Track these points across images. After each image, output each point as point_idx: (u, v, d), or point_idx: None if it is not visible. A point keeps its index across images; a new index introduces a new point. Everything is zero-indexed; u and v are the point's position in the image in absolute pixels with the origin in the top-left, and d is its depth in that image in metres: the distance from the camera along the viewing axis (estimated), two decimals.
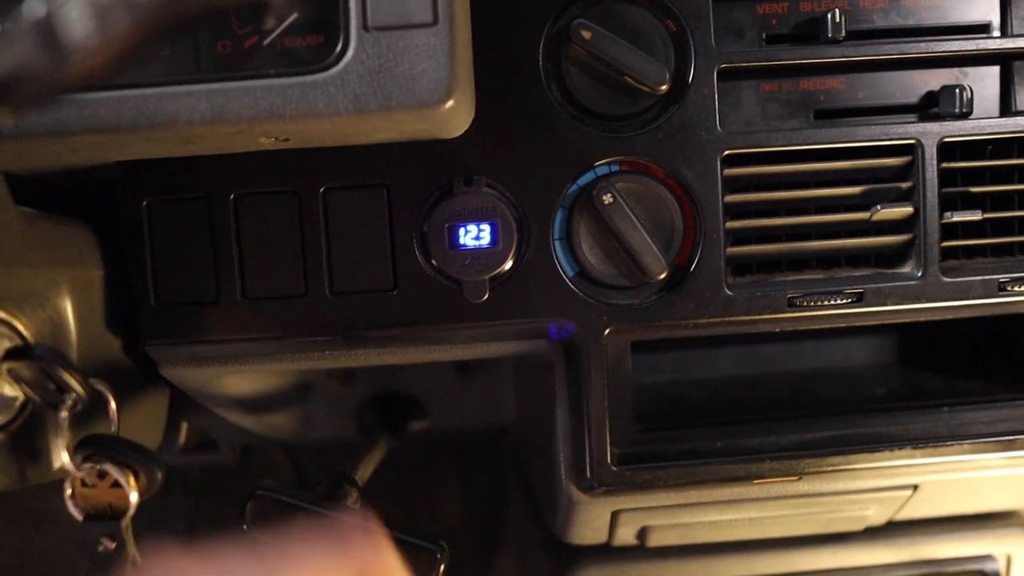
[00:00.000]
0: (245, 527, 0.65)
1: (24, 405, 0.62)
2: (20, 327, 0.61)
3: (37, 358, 0.57)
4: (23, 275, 0.62)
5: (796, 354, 0.89)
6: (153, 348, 0.71)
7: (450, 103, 0.57)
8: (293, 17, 0.57)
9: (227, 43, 0.57)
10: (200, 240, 0.69)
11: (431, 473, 1.27)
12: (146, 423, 0.80)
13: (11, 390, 0.59)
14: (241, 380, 0.85)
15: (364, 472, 0.79)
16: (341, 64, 0.56)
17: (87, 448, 0.61)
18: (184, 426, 0.98)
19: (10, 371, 0.57)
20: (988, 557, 0.90)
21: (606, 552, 0.89)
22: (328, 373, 0.99)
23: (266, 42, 0.58)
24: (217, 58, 0.57)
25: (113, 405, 0.64)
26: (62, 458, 0.60)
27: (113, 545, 0.64)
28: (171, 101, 0.56)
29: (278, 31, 0.58)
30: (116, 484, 0.63)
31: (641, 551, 0.88)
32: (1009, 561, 0.90)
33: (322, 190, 0.69)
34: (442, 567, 0.64)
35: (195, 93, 0.56)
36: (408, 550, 0.64)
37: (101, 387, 0.63)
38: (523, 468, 1.13)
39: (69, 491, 0.62)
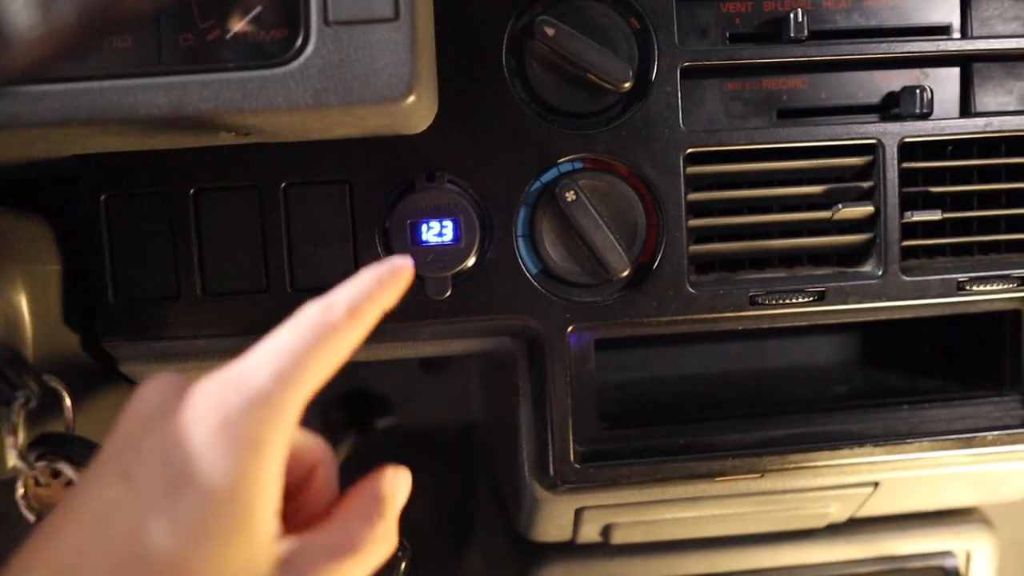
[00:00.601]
0: None
1: None
2: None
3: None
4: None
5: (759, 352, 0.90)
6: (112, 344, 0.70)
7: (411, 98, 0.57)
8: (256, 11, 0.57)
9: (189, 36, 0.57)
10: (159, 235, 0.68)
11: None
12: (106, 421, 0.78)
13: None
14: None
15: None
16: (301, 58, 0.56)
17: (41, 446, 0.60)
18: None
19: None
20: (948, 553, 0.91)
21: (570, 549, 0.89)
22: None
23: (228, 36, 0.57)
24: (179, 51, 0.57)
25: (68, 402, 0.63)
26: (13, 457, 0.59)
27: None
28: (129, 94, 0.56)
29: (240, 25, 0.57)
30: (71, 483, 0.62)
31: (605, 548, 0.88)
32: (968, 557, 0.91)
33: (283, 185, 0.68)
34: (403, 565, 0.64)
35: (153, 86, 0.56)
36: None
37: (56, 384, 0.62)
38: (490, 466, 1.13)
39: (21, 491, 0.61)
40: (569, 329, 0.70)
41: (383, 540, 0.51)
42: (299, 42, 0.56)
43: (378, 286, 0.50)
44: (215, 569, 0.42)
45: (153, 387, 0.48)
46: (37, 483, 0.62)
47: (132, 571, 0.41)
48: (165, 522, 0.41)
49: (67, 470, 0.60)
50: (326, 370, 0.47)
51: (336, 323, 0.47)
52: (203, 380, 0.46)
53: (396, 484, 0.53)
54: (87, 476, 0.45)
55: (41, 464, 0.60)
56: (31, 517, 0.61)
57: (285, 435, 0.45)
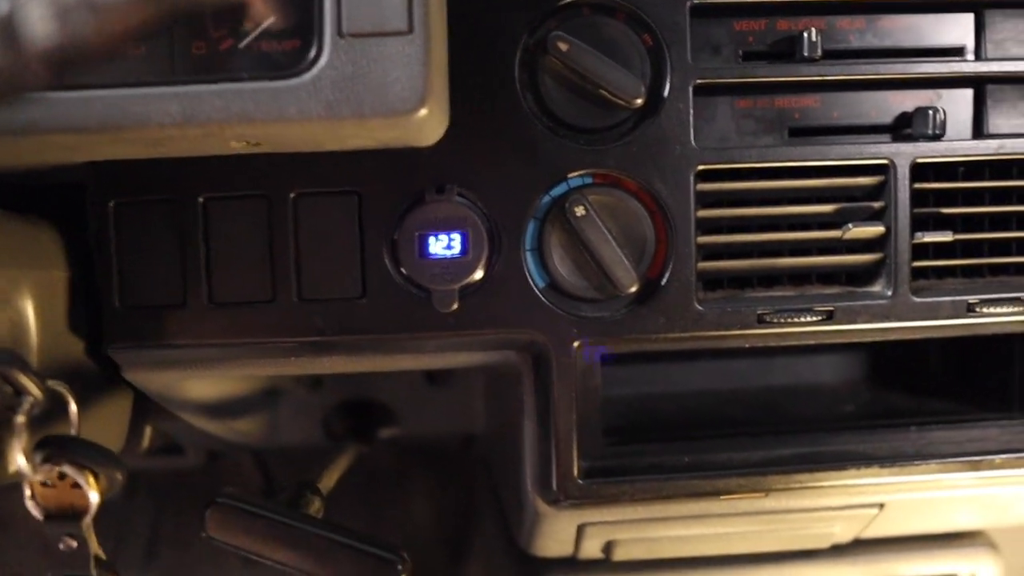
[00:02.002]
0: (204, 535, 0.65)
1: None
2: None
3: None
4: None
5: (766, 370, 0.90)
6: (116, 351, 0.70)
7: (423, 111, 0.57)
8: (269, 21, 0.57)
9: (201, 45, 0.57)
10: (167, 243, 0.68)
11: (400, 481, 1.26)
12: (108, 426, 0.78)
13: None
14: (206, 385, 0.84)
15: (329, 480, 0.78)
16: (314, 70, 0.56)
17: (45, 449, 0.60)
18: (148, 430, 0.97)
19: None
20: None
21: (572, 565, 0.88)
22: (296, 379, 0.98)
23: (241, 45, 0.57)
24: (191, 60, 0.57)
25: (73, 407, 0.63)
26: (18, 461, 0.59)
27: (75, 544, 0.63)
28: (141, 103, 0.56)
29: (253, 35, 0.57)
30: (76, 485, 0.62)
31: (607, 565, 0.88)
32: None
33: (292, 195, 0.68)
34: None
35: (166, 95, 0.56)
36: (368, 560, 0.63)
37: (61, 388, 0.62)
38: (492, 478, 1.13)
39: (28, 492, 0.61)
40: (576, 344, 0.70)
41: None
42: (312, 53, 0.56)
43: None
44: None
45: None
46: (44, 484, 0.62)
47: None
48: None
49: (72, 472, 0.60)
50: None
51: None
52: None
53: None
54: None
55: (46, 467, 0.60)
56: (40, 516, 0.61)
57: None
